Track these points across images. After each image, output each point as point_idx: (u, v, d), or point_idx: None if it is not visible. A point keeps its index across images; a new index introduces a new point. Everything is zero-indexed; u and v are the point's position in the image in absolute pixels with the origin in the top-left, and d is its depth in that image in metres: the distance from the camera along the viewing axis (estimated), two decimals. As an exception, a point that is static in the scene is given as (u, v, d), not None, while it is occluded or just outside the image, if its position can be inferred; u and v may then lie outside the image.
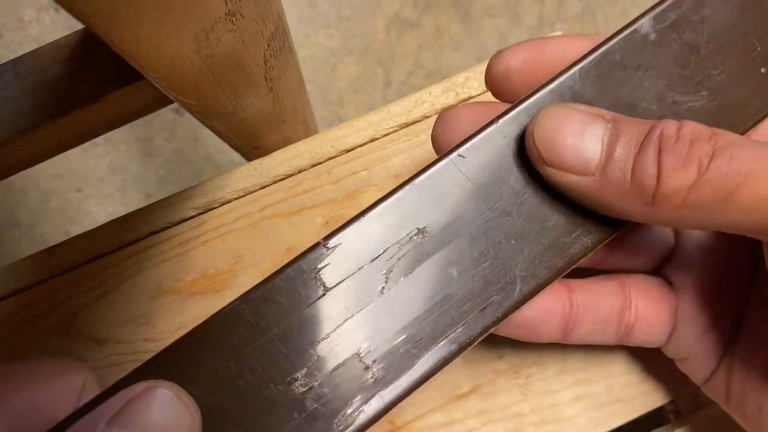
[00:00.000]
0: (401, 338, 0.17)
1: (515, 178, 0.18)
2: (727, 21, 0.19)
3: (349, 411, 0.16)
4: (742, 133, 0.19)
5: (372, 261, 0.18)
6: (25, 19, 0.76)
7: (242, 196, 0.26)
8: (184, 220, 0.26)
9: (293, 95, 0.29)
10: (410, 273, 0.18)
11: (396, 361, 0.17)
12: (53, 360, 0.17)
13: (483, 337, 0.18)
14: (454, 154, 0.18)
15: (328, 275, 0.17)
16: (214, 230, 0.26)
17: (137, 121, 0.25)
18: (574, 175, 0.17)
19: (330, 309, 0.17)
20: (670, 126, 0.17)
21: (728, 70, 0.19)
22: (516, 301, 0.18)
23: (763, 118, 0.19)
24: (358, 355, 0.17)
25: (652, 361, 0.26)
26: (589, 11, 0.74)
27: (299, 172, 0.27)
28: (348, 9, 0.77)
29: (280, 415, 0.16)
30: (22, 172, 0.25)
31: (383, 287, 0.17)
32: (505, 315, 0.18)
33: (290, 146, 0.27)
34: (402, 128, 0.27)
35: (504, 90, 0.20)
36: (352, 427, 0.16)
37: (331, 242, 0.18)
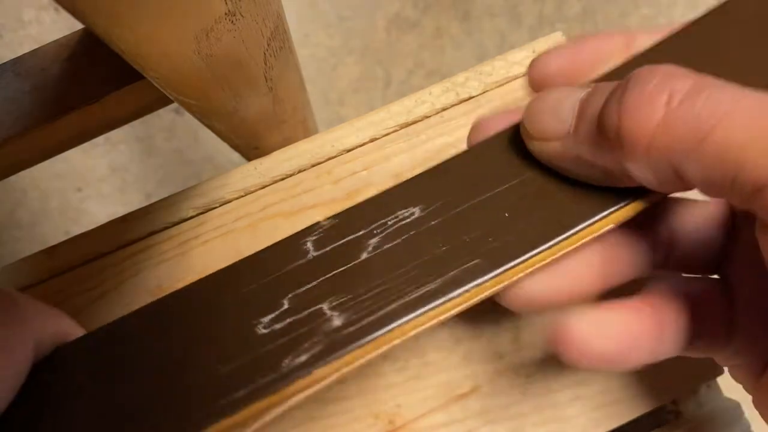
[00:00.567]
0: (370, 293, 0.18)
1: (521, 165, 0.19)
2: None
3: (302, 356, 0.17)
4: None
5: (359, 233, 0.19)
6: (25, 18, 0.76)
7: (242, 196, 0.26)
8: (184, 220, 0.26)
9: (293, 95, 0.29)
10: (394, 242, 0.18)
11: (361, 313, 0.17)
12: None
13: (461, 306, 0.18)
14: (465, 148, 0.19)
15: (315, 246, 0.19)
16: (214, 230, 0.26)
17: (137, 121, 0.25)
18: (553, 142, 0.17)
19: (309, 271, 0.18)
20: (643, 68, 0.16)
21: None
22: (503, 266, 0.18)
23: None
24: (324, 306, 0.18)
25: (652, 361, 0.26)
26: (590, 11, 0.74)
27: (299, 172, 0.26)
28: (348, 9, 0.76)
29: (239, 348, 0.17)
30: (22, 172, 0.25)
31: (365, 255, 0.18)
32: (490, 278, 0.18)
33: (290, 146, 0.27)
34: (402, 128, 0.27)
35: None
36: (300, 368, 0.16)
37: (327, 221, 0.19)
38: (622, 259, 0.20)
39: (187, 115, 0.27)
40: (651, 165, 0.16)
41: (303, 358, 0.17)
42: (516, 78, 0.27)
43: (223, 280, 0.19)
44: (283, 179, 0.26)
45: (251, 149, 0.29)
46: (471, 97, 0.27)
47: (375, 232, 0.19)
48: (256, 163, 0.27)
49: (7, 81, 0.21)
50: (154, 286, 0.26)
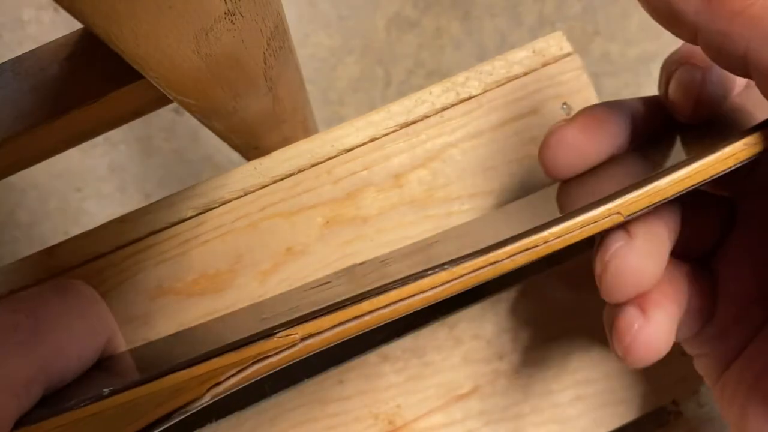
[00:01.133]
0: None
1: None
2: None
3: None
4: None
5: (381, 261, 0.19)
6: (24, 18, 0.76)
7: (242, 196, 0.26)
8: (184, 220, 0.26)
9: (293, 95, 0.29)
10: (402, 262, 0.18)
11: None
12: (85, 298, 0.19)
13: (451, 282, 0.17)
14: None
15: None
16: (213, 230, 0.26)
17: (136, 121, 0.25)
18: None
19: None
20: None
21: None
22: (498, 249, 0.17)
23: None
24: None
25: (652, 361, 0.26)
26: (590, 10, 0.74)
27: (299, 171, 0.26)
28: (348, 8, 0.76)
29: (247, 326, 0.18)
30: (21, 172, 0.25)
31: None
32: (480, 254, 0.17)
33: (290, 146, 0.27)
34: (402, 128, 0.27)
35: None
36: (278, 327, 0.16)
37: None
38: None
39: (187, 115, 0.27)
40: (725, 35, 0.15)
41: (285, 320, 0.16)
42: (516, 78, 0.27)
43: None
44: (282, 179, 0.26)
45: (251, 149, 0.29)
46: (471, 97, 0.27)
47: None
48: (255, 163, 0.26)
49: (6, 81, 0.21)
50: (154, 286, 0.26)
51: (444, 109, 0.27)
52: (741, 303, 0.21)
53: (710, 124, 0.20)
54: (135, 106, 0.24)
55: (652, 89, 0.21)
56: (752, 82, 0.17)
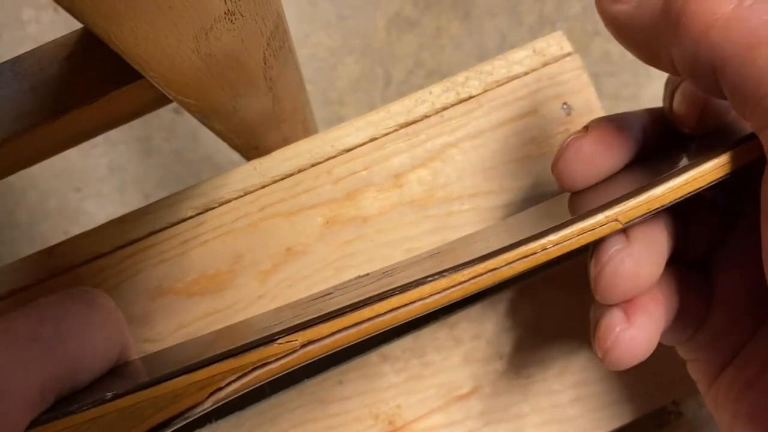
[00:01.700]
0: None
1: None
2: None
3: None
4: None
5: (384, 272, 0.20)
6: (23, 18, 0.76)
7: (242, 196, 0.26)
8: (184, 220, 0.26)
9: (293, 95, 0.29)
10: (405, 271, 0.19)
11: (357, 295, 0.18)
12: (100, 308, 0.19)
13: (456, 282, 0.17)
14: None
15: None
16: (213, 230, 0.26)
17: (136, 121, 0.25)
18: (621, 5, 0.17)
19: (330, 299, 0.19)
20: None
21: None
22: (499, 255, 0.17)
23: None
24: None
25: (652, 361, 0.26)
26: (590, 10, 0.74)
27: (299, 171, 0.26)
28: (348, 8, 0.76)
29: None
30: (21, 172, 0.25)
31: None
32: (480, 261, 0.17)
33: (290, 146, 0.27)
34: (402, 128, 0.27)
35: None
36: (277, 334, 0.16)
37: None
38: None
39: (187, 115, 0.27)
40: (696, 56, 0.16)
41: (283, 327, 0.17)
42: (516, 77, 0.27)
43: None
44: (282, 179, 0.26)
45: (251, 149, 0.29)
46: (471, 97, 0.27)
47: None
48: (255, 162, 0.26)
49: (5, 81, 0.21)
50: (154, 286, 0.26)
51: (444, 109, 0.27)
52: (734, 309, 0.21)
53: (715, 134, 0.20)
54: (135, 106, 0.24)
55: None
56: None
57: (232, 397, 0.16)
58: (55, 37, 0.22)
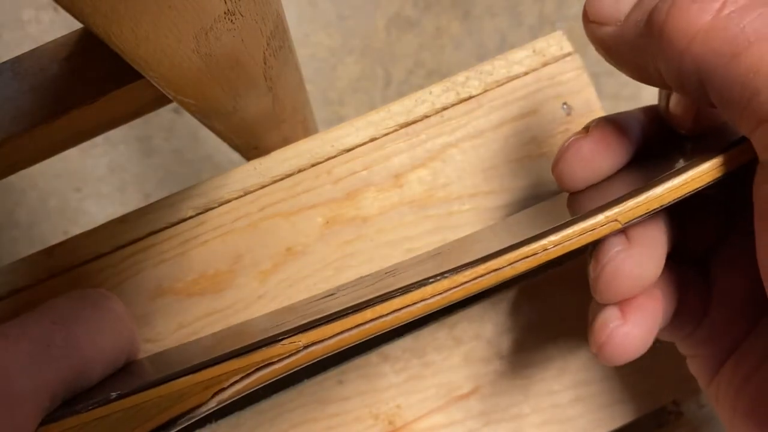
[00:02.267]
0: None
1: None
2: None
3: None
4: None
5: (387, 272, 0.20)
6: (23, 18, 0.76)
7: (242, 196, 0.26)
8: (184, 220, 0.26)
9: (293, 95, 0.29)
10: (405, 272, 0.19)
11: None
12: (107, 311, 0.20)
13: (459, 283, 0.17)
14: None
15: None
16: (213, 230, 0.26)
17: (136, 121, 0.25)
18: (606, 27, 0.18)
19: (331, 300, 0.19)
20: None
21: None
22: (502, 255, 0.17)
23: None
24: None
25: (652, 361, 0.26)
26: (589, 11, 0.74)
27: (299, 171, 0.26)
28: (348, 8, 0.76)
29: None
30: (21, 172, 0.25)
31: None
32: (480, 263, 0.17)
33: (290, 146, 0.27)
34: (402, 128, 0.27)
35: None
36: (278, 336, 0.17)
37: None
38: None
39: (187, 115, 0.27)
40: (681, 69, 0.16)
41: (287, 328, 0.17)
42: (517, 77, 0.27)
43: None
44: (282, 179, 0.26)
45: (251, 149, 0.29)
46: (471, 97, 0.27)
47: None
48: (255, 162, 0.26)
49: (5, 81, 0.21)
50: (154, 286, 0.26)
51: (444, 108, 0.27)
52: (732, 307, 0.21)
53: (710, 134, 0.20)
54: (135, 106, 0.24)
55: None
56: None
57: (235, 398, 0.16)
58: (55, 37, 0.22)
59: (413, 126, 0.27)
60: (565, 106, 0.27)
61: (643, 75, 0.18)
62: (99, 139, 0.74)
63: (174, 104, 0.22)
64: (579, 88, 0.27)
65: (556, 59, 0.27)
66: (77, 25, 0.18)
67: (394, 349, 0.26)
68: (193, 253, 0.26)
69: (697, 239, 0.22)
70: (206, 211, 0.26)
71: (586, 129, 0.21)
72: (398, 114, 0.27)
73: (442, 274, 0.17)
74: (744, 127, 0.16)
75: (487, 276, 0.17)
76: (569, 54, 0.27)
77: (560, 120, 0.27)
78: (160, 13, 0.15)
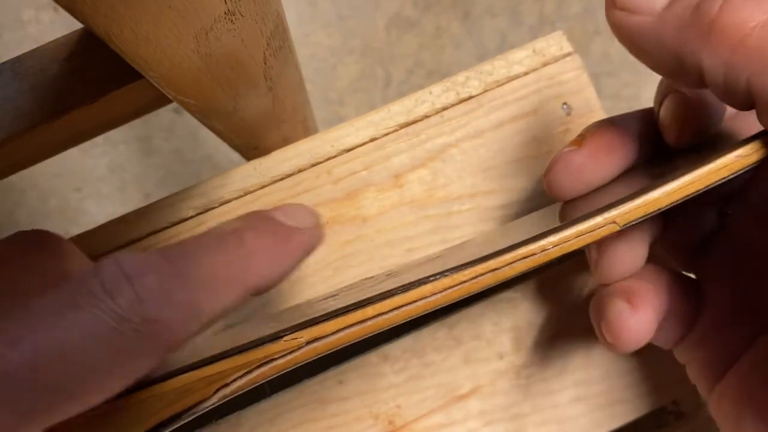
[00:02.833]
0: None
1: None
2: None
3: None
4: None
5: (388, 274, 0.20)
6: (24, 18, 0.76)
7: (242, 196, 0.26)
8: (184, 220, 0.26)
9: (293, 95, 0.29)
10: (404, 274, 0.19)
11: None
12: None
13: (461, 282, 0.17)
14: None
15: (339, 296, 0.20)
16: (213, 230, 0.26)
17: (136, 121, 0.25)
18: (637, 16, 0.17)
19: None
20: None
21: None
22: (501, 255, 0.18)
23: None
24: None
25: (652, 361, 0.26)
26: (590, 10, 0.74)
27: (299, 171, 0.26)
28: (348, 8, 0.76)
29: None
30: (21, 172, 0.25)
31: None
32: (479, 262, 0.17)
33: (290, 146, 0.27)
34: (402, 128, 0.27)
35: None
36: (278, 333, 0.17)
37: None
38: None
39: (187, 115, 0.27)
40: (728, 67, 0.16)
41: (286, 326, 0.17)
42: (517, 77, 0.27)
43: None
44: (282, 179, 0.26)
45: (251, 149, 0.29)
46: (471, 97, 0.27)
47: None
48: (255, 162, 0.26)
49: (5, 81, 0.21)
50: (154, 286, 0.26)
51: (444, 108, 0.27)
52: (723, 311, 0.21)
53: (706, 144, 0.21)
54: (135, 106, 0.24)
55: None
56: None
57: (237, 393, 0.16)
58: (55, 37, 0.22)
59: (413, 126, 0.27)
60: (565, 106, 0.27)
61: (675, 71, 0.17)
62: (99, 139, 0.74)
63: (174, 104, 0.22)
64: (579, 88, 0.27)
65: (556, 59, 0.27)
66: (77, 25, 0.18)
67: (394, 349, 0.26)
68: (193, 253, 0.26)
69: (685, 239, 0.22)
70: (206, 211, 0.26)
71: (582, 138, 0.21)
72: (398, 114, 0.27)
73: (442, 273, 0.17)
74: None
75: (487, 275, 0.17)
76: (569, 54, 0.27)
77: (560, 120, 0.27)
78: (160, 13, 0.15)
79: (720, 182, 0.17)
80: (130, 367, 0.14)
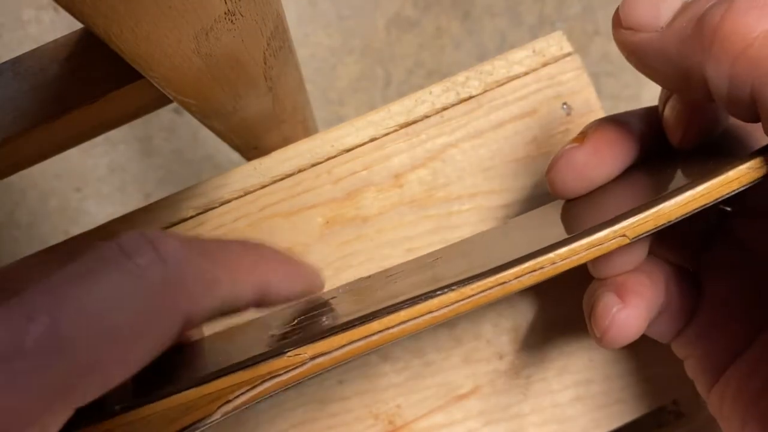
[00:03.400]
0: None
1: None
2: None
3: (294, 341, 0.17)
4: None
5: (387, 276, 0.20)
6: (24, 18, 0.76)
7: (242, 196, 0.26)
8: (184, 220, 0.26)
9: (293, 95, 0.29)
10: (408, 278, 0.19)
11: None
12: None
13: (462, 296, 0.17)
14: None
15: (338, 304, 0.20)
16: (213, 230, 0.26)
17: (136, 121, 0.25)
18: (642, 33, 0.17)
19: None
20: None
21: None
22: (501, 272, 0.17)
23: None
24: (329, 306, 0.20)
25: (652, 361, 0.26)
26: (590, 10, 0.74)
27: (299, 171, 0.26)
28: (348, 8, 0.76)
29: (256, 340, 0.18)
30: (21, 172, 0.25)
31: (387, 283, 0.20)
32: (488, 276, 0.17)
33: (290, 146, 0.27)
34: (402, 128, 0.27)
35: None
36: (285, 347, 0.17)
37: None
38: None
39: (187, 115, 0.27)
40: (732, 78, 0.16)
41: (293, 338, 0.17)
42: (517, 77, 0.27)
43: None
44: (282, 179, 0.26)
45: (251, 149, 0.29)
46: (471, 97, 0.27)
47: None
48: (255, 163, 0.26)
49: (6, 81, 0.21)
50: (154, 286, 0.26)
51: (444, 108, 0.27)
52: (722, 307, 0.21)
53: (711, 144, 0.20)
54: (135, 106, 0.24)
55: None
56: None
57: (240, 410, 0.16)
58: (55, 37, 0.22)
59: (413, 126, 0.27)
60: (565, 106, 0.27)
61: (682, 85, 0.18)
62: (99, 139, 0.74)
63: (174, 104, 0.22)
64: (579, 88, 0.27)
65: (556, 59, 0.27)
66: (77, 25, 0.18)
67: (394, 349, 0.26)
68: (194, 253, 0.26)
69: (685, 235, 0.22)
70: (206, 211, 0.26)
71: (583, 135, 0.21)
72: (398, 114, 0.27)
73: (449, 287, 0.17)
74: None
75: (494, 289, 0.17)
76: (569, 54, 0.27)
77: (560, 120, 0.27)
78: (160, 13, 0.15)
79: (730, 194, 0.17)
80: (150, 335, 0.14)
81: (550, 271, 0.17)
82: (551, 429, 0.25)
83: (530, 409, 0.25)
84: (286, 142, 0.30)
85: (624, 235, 0.17)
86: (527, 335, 0.26)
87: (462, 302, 0.17)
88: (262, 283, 0.16)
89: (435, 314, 0.17)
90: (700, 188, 0.17)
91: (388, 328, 0.16)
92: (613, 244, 0.17)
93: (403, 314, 0.16)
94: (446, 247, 0.23)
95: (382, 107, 0.27)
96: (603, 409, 0.25)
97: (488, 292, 0.17)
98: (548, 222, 0.21)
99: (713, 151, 0.20)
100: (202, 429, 0.16)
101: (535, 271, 0.17)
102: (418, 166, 0.26)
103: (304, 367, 0.16)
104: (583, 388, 0.25)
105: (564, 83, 0.27)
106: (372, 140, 0.27)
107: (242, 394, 0.16)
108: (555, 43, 0.27)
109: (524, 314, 0.26)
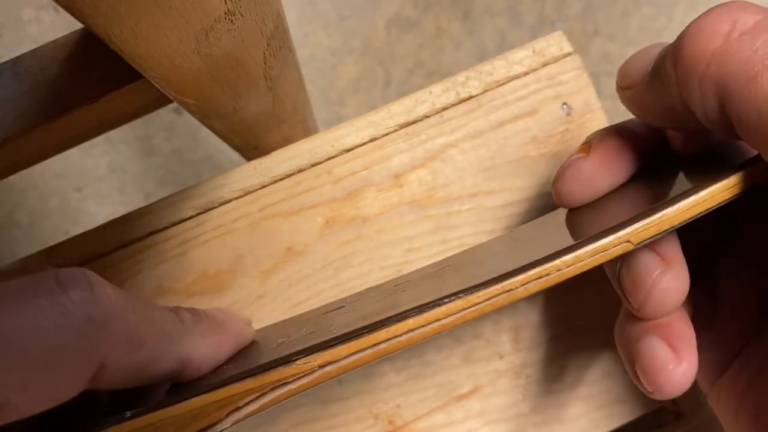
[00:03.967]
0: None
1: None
2: None
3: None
4: None
5: (395, 286, 0.20)
6: (24, 18, 0.76)
7: (242, 196, 0.26)
8: (184, 220, 0.26)
9: (293, 95, 0.29)
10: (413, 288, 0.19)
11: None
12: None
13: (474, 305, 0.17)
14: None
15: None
16: (213, 230, 0.26)
17: (136, 121, 0.25)
18: (634, 88, 0.19)
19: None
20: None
21: None
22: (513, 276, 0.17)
23: None
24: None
25: (652, 361, 0.26)
26: (590, 10, 0.74)
27: (299, 171, 0.26)
28: (348, 8, 0.76)
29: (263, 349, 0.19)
30: (21, 172, 0.25)
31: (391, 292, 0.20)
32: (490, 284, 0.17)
33: (290, 146, 0.27)
34: (402, 128, 0.27)
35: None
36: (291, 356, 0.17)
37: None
38: None
39: (187, 115, 0.27)
40: (702, 94, 0.16)
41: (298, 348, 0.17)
42: (517, 77, 0.27)
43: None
44: (282, 179, 0.26)
45: (251, 149, 0.29)
46: (471, 97, 0.27)
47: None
48: (255, 163, 0.26)
49: (5, 81, 0.21)
50: (155, 286, 0.26)
51: (444, 109, 0.27)
52: (738, 314, 0.21)
53: (707, 154, 0.21)
54: (135, 106, 0.24)
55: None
56: None
57: (250, 417, 0.16)
58: (55, 37, 0.22)
59: (413, 126, 0.27)
60: (565, 106, 0.27)
61: (674, 121, 0.18)
62: (99, 139, 0.74)
63: (174, 104, 0.22)
64: (579, 88, 0.27)
65: (556, 59, 0.27)
66: (77, 25, 0.18)
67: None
68: (194, 253, 0.26)
69: (700, 236, 0.22)
70: (206, 211, 0.26)
71: (588, 145, 0.21)
72: (398, 114, 0.27)
73: (456, 294, 0.17)
74: (764, 151, 0.16)
75: (501, 296, 0.17)
76: (569, 54, 0.27)
77: (560, 120, 0.27)
78: (160, 13, 0.15)
79: (734, 198, 0.17)
80: (60, 372, 0.13)
81: (555, 278, 0.17)
82: (551, 429, 0.25)
83: (530, 409, 0.25)
84: (286, 142, 0.30)
85: (628, 241, 0.17)
86: (527, 335, 0.26)
87: (468, 310, 0.17)
88: (184, 358, 0.16)
89: (442, 322, 0.17)
90: (703, 193, 0.17)
91: (395, 336, 0.17)
92: (617, 250, 0.17)
93: (410, 322, 0.17)
94: (452, 256, 0.23)
95: (382, 107, 0.27)
96: (603, 409, 0.25)
97: (495, 299, 0.17)
98: (553, 230, 0.21)
99: (716, 155, 0.20)
100: None
101: (541, 278, 0.17)
102: (418, 166, 0.26)
103: (313, 376, 0.16)
104: (583, 388, 0.25)
105: (564, 83, 0.27)
106: (372, 140, 0.27)
107: (251, 401, 0.16)
108: (555, 43, 0.27)
109: (524, 314, 0.26)
